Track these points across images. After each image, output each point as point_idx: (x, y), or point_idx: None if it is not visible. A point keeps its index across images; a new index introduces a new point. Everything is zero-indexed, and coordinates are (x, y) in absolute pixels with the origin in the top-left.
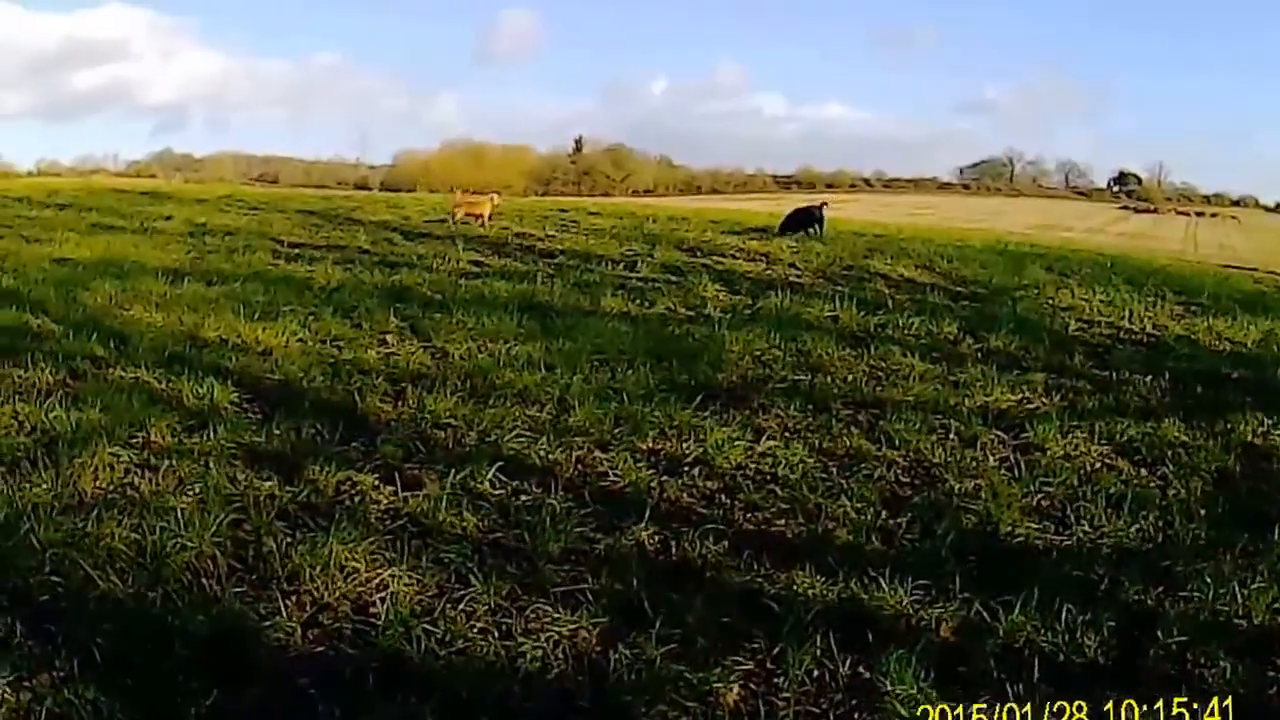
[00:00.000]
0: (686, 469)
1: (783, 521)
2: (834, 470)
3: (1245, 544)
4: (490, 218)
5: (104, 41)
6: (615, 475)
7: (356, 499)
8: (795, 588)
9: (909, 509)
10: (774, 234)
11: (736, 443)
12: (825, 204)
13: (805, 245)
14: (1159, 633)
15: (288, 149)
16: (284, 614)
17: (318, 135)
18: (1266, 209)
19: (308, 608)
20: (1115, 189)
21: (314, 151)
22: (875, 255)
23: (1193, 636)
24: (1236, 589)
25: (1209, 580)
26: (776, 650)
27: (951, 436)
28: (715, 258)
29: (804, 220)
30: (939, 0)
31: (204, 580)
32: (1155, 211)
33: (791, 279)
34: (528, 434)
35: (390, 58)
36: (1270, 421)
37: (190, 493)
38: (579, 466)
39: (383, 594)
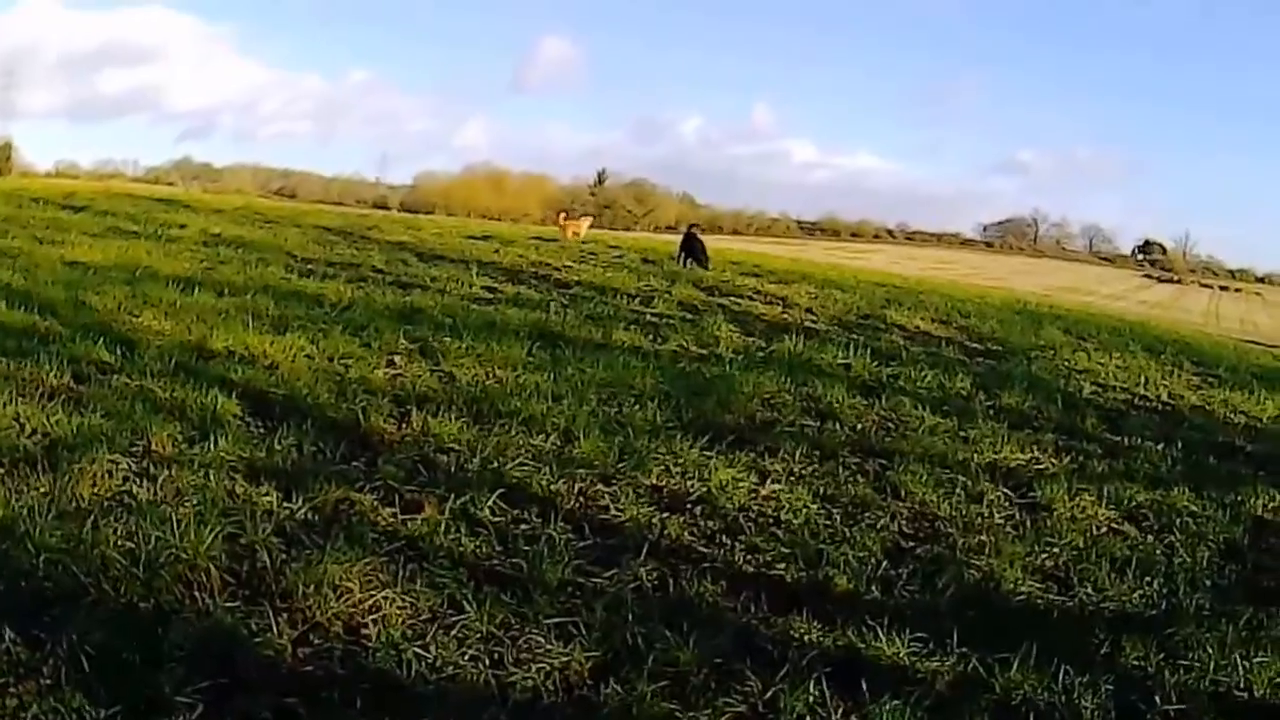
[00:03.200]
0: (689, 507)
1: (783, 565)
2: (838, 517)
3: (1250, 616)
4: (582, 234)
5: (141, 44)
6: (617, 509)
7: (355, 518)
8: (792, 632)
9: (911, 560)
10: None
11: (741, 484)
12: (695, 225)
13: (824, 293)
14: (1157, 699)
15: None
16: (275, 630)
17: (340, 152)
18: None
19: (299, 625)
20: (1139, 257)
21: (334, 168)
22: (893, 306)
23: (1191, 705)
24: (1239, 660)
25: (1211, 650)
26: (770, 694)
27: (958, 491)
28: (732, 298)
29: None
30: (978, 61)
31: (197, 592)
32: (1178, 282)
33: (807, 324)
34: (531, 463)
35: (423, 80)
36: None
37: (188, 503)
38: (581, 498)
39: (375, 615)
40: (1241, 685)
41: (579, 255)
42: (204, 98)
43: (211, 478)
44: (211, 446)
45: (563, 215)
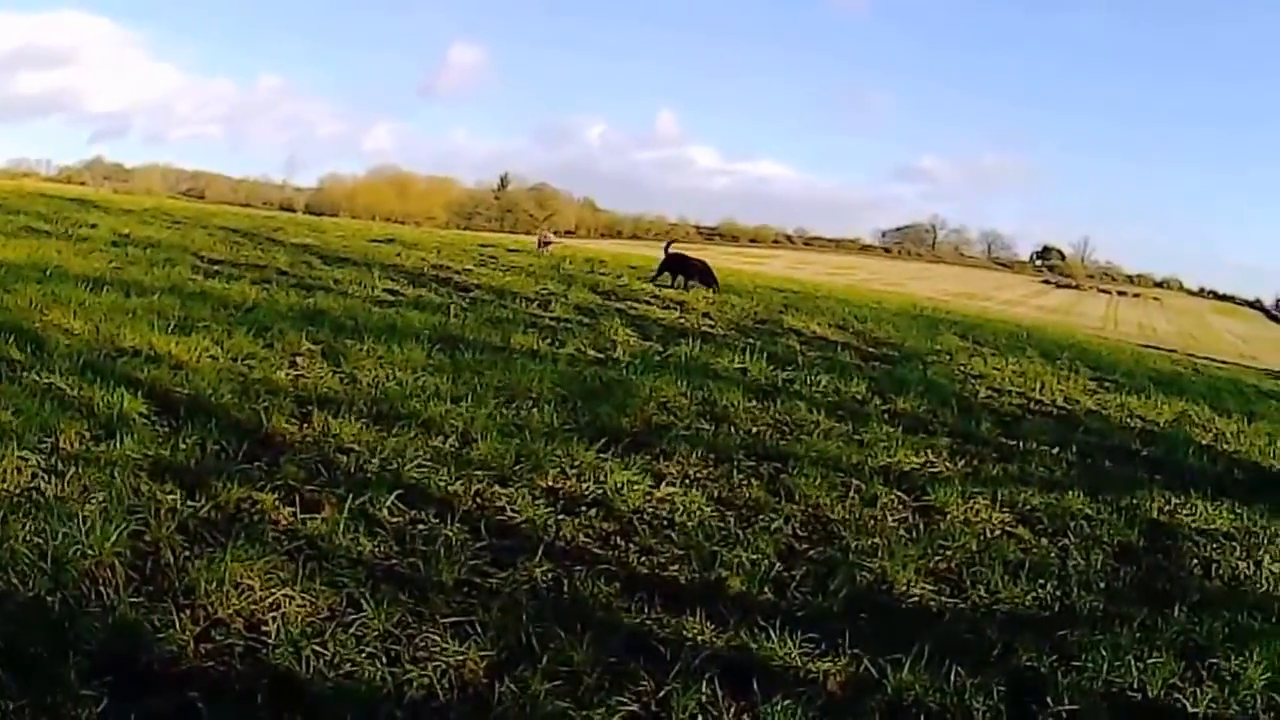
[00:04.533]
0: (584, 509)
1: (677, 567)
2: (731, 520)
3: (1144, 618)
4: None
5: (58, 47)
6: (513, 511)
7: (256, 517)
8: (685, 633)
9: (804, 562)
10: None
11: (636, 486)
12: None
13: (720, 298)
14: (1049, 700)
15: (219, 166)
16: (178, 627)
17: (250, 155)
18: (1190, 292)
19: (202, 622)
20: (1038, 263)
21: (243, 170)
22: (790, 311)
23: (1084, 706)
24: (1132, 662)
25: (1105, 652)
26: (662, 694)
27: (852, 494)
28: (629, 302)
29: (679, 268)
30: (882, 69)
31: (102, 588)
32: (1077, 287)
33: (704, 329)
34: (429, 464)
35: (333, 85)
36: (1177, 500)
37: (95, 500)
38: (477, 499)
39: (276, 613)
40: (1135, 686)
41: (478, 259)
42: (118, 100)
43: (117, 475)
44: (118, 445)
45: (544, 231)
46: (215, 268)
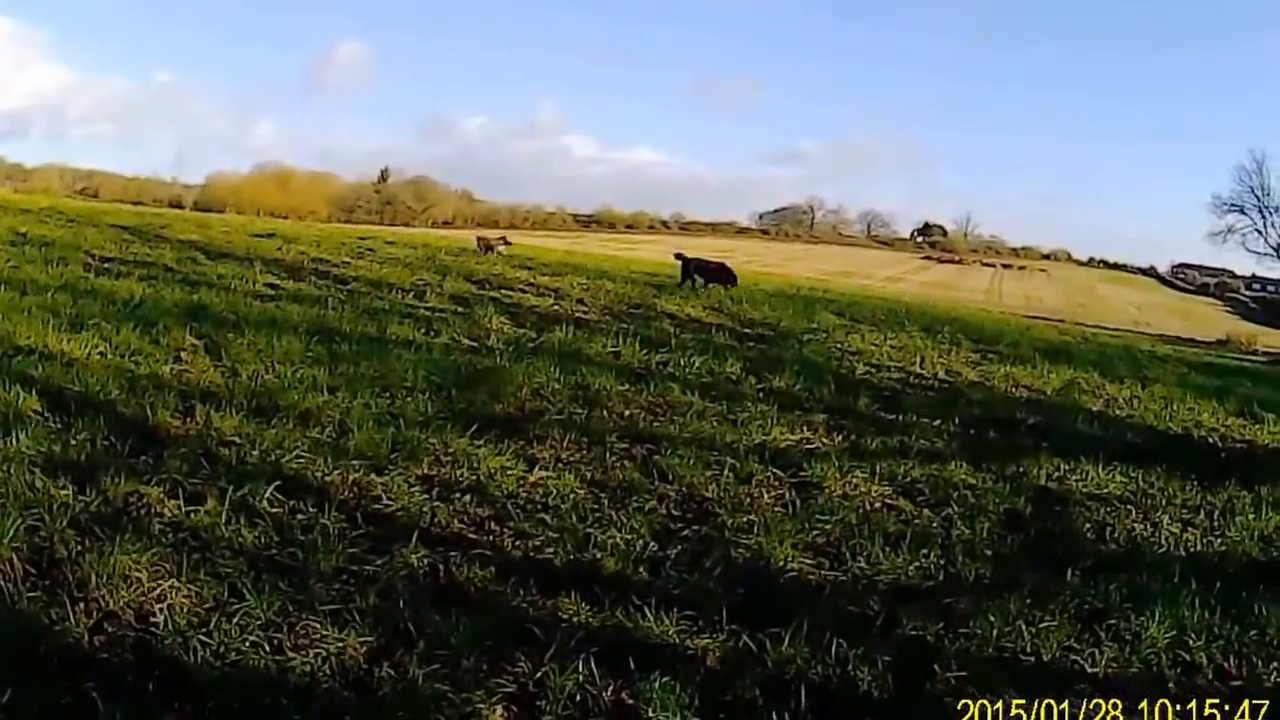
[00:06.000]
0: (459, 495)
1: (551, 549)
2: (605, 501)
3: (1036, 584)
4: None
5: None
6: (389, 499)
7: (143, 510)
8: (561, 614)
9: (679, 541)
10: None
11: (510, 471)
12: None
13: (596, 284)
14: (937, 667)
15: (113, 164)
16: (73, 619)
17: (142, 151)
18: (1079, 263)
19: (95, 614)
20: (919, 239)
21: (135, 167)
22: (663, 295)
23: (974, 672)
24: (1024, 627)
25: (993, 618)
26: (539, 674)
27: (727, 472)
28: (504, 291)
29: (698, 272)
30: (760, 53)
31: (1, 582)
32: (959, 262)
33: (578, 315)
34: (307, 455)
35: (221, 81)
36: (1067, 466)
37: None
38: (354, 489)
39: (163, 604)
40: (1028, 650)
41: (356, 251)
42: (17, 100)
43: (12, 472)
44: (14, 442)
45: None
46: (105, 265)
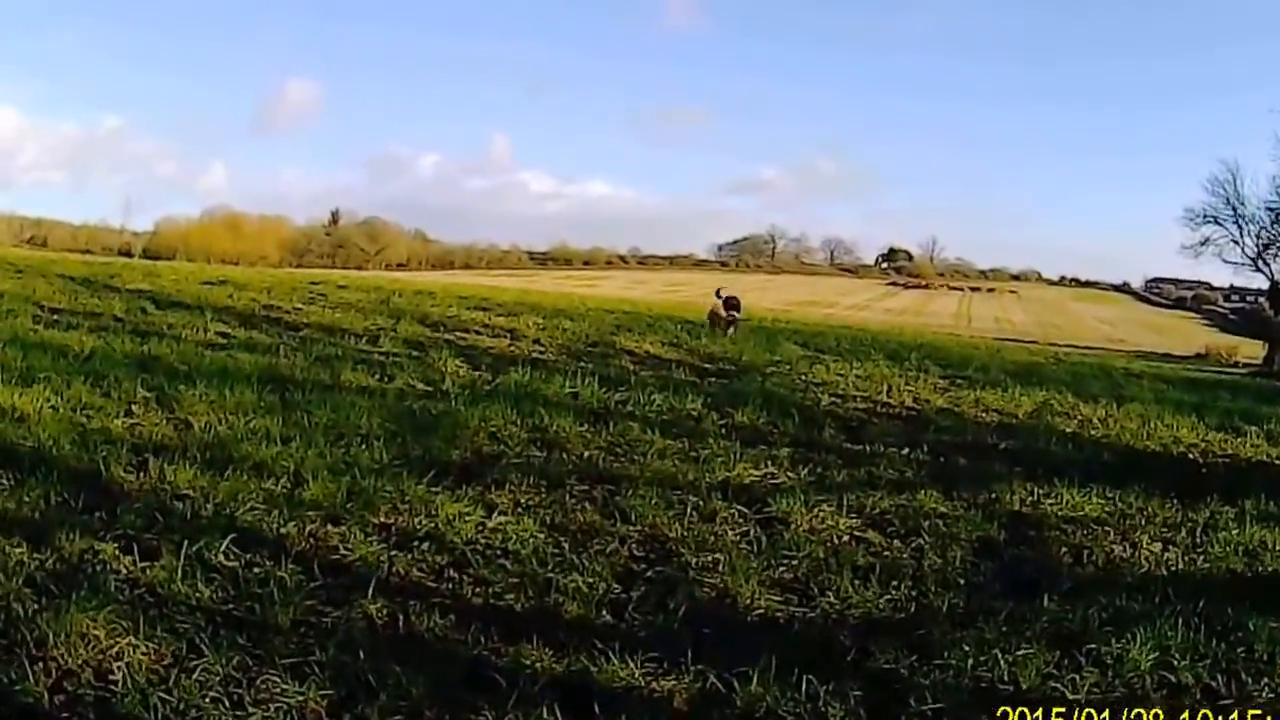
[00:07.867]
0: (416, 544)
1: (512, 596)
2: (566, 545)
3: (1010, 611)
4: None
5: None
6: (346, 549)
7: (98, 567)
8: (523, 660)
9: (642, 583)
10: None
11: (468, 518)
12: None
13: (552, 323)
14: (911, 700)
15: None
16: (32, 679)
17: (89, 198)
18: (1050, 282)
19: (54, 673)
20: (884, 265)
21: (83, 215)
22: (622, 332)
23: (949, 704)
24: (999, 656)
25: (968, 648)
26: None
27: (690, 511)
28: (459, 333)
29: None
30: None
31: None
32: (926, 287)
33: (534, 355)
34: (262, 507)
35: (169, 125)
36: (1041, 490)
37: None
38: (310, 540)
39: (121, 662)
40: (1005, 679)
41: (307, 297)
42: None
43: None
44: None
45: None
46: (55, 317)
